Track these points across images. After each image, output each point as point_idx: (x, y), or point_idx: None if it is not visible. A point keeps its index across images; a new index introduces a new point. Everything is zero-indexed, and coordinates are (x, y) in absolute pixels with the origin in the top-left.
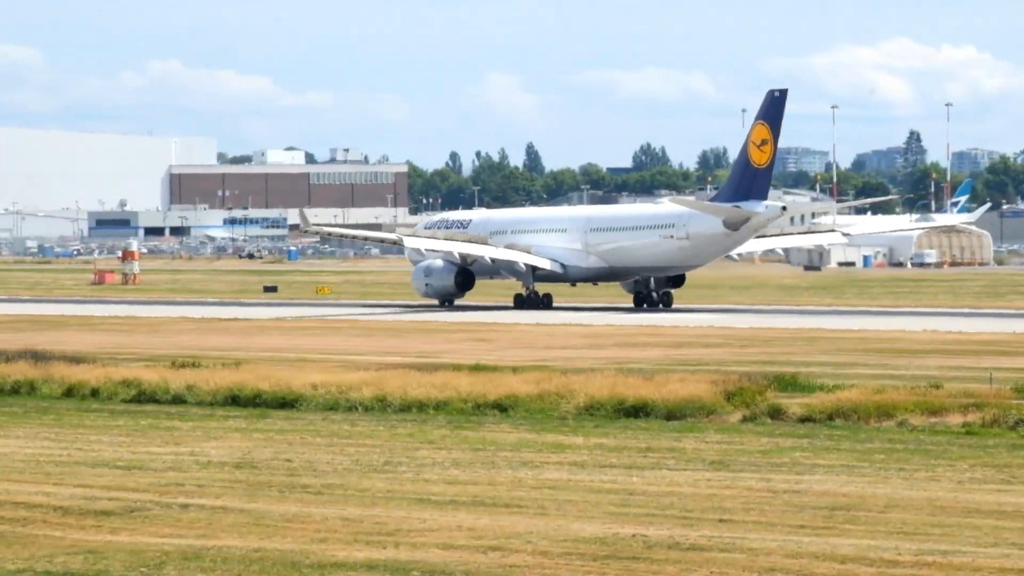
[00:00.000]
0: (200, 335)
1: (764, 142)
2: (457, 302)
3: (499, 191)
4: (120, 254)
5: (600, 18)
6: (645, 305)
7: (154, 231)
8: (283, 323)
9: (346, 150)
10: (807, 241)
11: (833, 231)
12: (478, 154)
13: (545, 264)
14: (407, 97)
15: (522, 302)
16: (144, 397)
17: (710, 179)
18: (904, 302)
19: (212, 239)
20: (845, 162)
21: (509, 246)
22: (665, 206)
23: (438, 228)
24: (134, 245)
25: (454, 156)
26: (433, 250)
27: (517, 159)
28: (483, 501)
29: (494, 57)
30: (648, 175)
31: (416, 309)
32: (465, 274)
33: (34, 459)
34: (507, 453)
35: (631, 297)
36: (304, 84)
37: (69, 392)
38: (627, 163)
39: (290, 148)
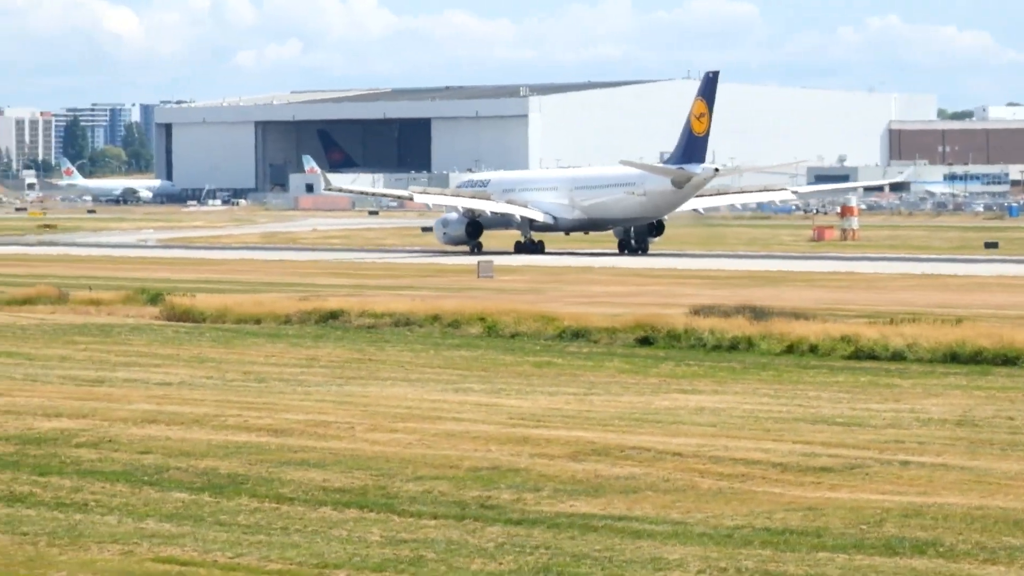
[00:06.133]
0: (919, 291)
1: (702, 115)
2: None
3: None
4: (839, 210)
5: None
6: (626, 251)
7: (872, 188)
8: (1003, 279)
9: None
10: (761, 197)
11: (785, 189)
12: None
13: (538, 216)
14: None
15: (520, 247)
16: (862, 354)
17: None
18: None
19: (932, 195)
20: None
21: (510, 201)
22: (627, 169)
23: (467, 187)
24: (852, 201)
25: None
26: (440, 205)
27: None
28: None
29: None
30: None
31: None
32: (474, 225)
33: (753, 415)
34: None
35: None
36: None
37: (788, 348)
38: None
39: (1012, 103)
